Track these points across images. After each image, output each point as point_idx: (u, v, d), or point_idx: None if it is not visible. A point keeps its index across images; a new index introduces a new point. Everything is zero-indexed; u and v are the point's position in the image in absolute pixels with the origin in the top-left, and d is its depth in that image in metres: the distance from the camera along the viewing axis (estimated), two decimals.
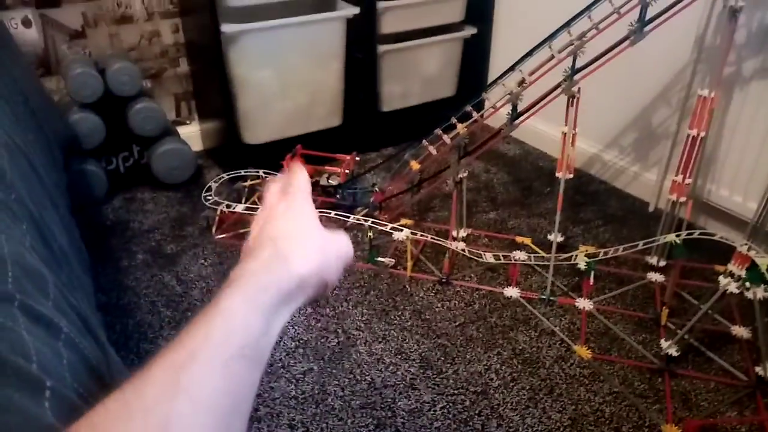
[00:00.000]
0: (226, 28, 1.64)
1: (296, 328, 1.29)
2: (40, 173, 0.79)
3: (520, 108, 1.36)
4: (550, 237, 1.42)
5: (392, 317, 1.33)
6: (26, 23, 1.71)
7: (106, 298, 1.38)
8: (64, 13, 1.74)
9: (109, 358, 0.55)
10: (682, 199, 1.37)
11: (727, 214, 1.52)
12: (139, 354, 1.23)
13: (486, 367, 1.20)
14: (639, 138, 1.77)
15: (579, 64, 1.27)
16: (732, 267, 1.28)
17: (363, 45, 1.93)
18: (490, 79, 2.09)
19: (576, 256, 1.43)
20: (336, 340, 1.27)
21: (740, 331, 1.26)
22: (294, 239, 0.44)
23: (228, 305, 0.37)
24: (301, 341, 1.26)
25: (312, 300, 0.45)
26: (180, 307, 1.35)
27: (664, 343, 1.20)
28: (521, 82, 1.34)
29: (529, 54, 1.32)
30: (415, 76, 2.11)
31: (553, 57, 1.29)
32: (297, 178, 0.49)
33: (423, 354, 1.23)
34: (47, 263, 0.54)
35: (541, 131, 2.02)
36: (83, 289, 0.73)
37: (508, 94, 1.34)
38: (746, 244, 1.12)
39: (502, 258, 1.48)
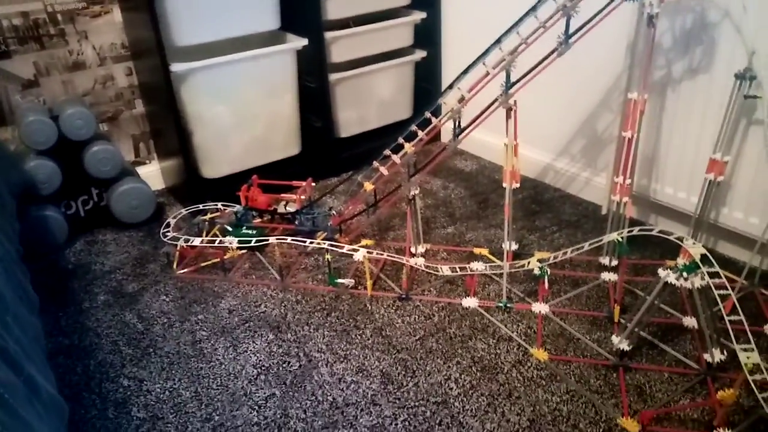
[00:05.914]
0: (175, 67, 1.68)
1: (258, 355, 1.30)
2: None
3: (464, 123, 1.41)
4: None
5: (353, 336, 1.35)
6: None
7: (68, 341, 1.38)
8: (15, 64, 1.76)
9: (38, 391, 0.56)
10: (625, 199, 1.41)
11: (674, 210, 1.57)
12: (101, 394, 1.22)
13: (446, 377, 1.22)
14: (587, 144, 1.83)
15: (514, 77, 1.32)
16: (680, 260, 1.32)
17: (314, 75, 1.97)
18: None
19: (529, 262, 1.46)
20: (298, 364, 1.28)
21: (691, 322, 1.30)
22: None
23: None
24: (262, 368, 1.27)
25: None
26: (141, 344, 1.36)
27: (615, 339, 1.23)
28: (461, 99, 1.38)
29: (465, 72, 1.37)
30: (370, 101, 2.15)
31: (488, 73, 1.35)
32: None
33: (384, 370, 1.25)
34: None
35: (495, 145, 2.06)
36: (22, 329, 0.74)
37: (449, 111, 1.39)
38: (680, 236, 1.16)
39: (458, 270, 1.50)
